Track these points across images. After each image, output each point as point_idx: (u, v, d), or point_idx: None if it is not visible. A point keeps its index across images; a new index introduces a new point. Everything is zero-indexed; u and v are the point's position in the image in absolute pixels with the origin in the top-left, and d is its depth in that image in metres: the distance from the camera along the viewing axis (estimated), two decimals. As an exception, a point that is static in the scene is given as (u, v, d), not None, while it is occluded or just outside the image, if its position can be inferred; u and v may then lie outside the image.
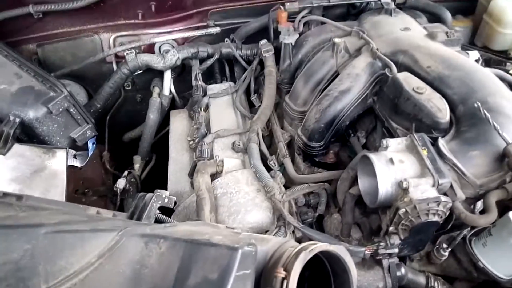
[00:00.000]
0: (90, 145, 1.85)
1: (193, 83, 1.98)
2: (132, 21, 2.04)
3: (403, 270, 1.22)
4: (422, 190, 1.06)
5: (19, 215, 0.69)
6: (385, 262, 1.22)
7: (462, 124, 1.24)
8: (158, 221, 1.10)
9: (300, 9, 1.81)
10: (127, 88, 2.13)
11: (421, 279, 1.26)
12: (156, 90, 2.04)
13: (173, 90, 2.04)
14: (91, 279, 0.61)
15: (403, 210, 1.05)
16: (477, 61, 1.70)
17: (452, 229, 1.21)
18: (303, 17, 1.81)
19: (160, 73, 2.06)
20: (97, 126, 1.79)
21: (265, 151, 1.56)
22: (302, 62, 1.81)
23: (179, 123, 1.91)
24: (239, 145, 1.56)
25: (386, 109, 1.42)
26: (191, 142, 1.69)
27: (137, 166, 1.94)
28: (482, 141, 1.16)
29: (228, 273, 0.64)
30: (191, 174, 1.53)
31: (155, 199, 1.19)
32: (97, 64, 2.04)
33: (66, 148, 1.49)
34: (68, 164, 1.48)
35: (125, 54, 1.89)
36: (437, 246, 1.26)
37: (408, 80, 1.34)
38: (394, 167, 1.11)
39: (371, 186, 1.19)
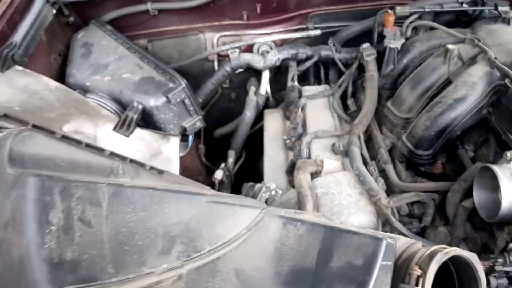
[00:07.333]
0: (190, 136, 1.97)
1: (289, 83, 2.03)
2: (237, 21, 2.14)
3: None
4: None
5: (171, 186, 0.77)
6: (493, 282, 1.14)
7: None
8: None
9: (410, 13, 1.77)
10: (224, 86, 2.23)
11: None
12: (252, 89, 2.11)
13: (268, 90, 2.10)
14: (242, 249, 0.66)
15: (532, 226, 0.99)
16: None
17: None
18: (412, 21, 1.76)
19: (256, 73, 2.14)
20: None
21: (366, 155, 1.55)
22: (407, 68, 1.76)
23: (274, 122, 1.96)
24: (339, 147, 1.57)
25: (504, 122, 1.34)
26: (288, 141, 1.73)
27: (230, 160, 2.02)
28: None
29: (374, 260, 0.65)
30: (289, 171, 1.56)
31: (264, 190, 1.25)
32: (200, 62, 2.17)
33: (179, 136, 1.60)
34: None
35: (229, 52, 1.98)
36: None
37: (533, 91, 1.25)
38: (521, 180, 1.05)
39: (488, 200, 1.13)
